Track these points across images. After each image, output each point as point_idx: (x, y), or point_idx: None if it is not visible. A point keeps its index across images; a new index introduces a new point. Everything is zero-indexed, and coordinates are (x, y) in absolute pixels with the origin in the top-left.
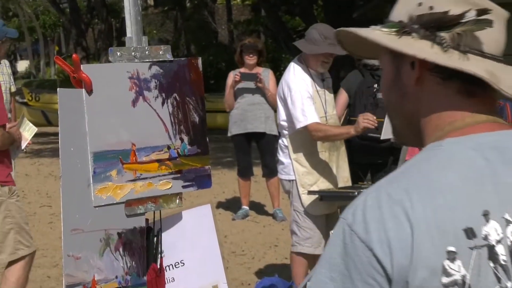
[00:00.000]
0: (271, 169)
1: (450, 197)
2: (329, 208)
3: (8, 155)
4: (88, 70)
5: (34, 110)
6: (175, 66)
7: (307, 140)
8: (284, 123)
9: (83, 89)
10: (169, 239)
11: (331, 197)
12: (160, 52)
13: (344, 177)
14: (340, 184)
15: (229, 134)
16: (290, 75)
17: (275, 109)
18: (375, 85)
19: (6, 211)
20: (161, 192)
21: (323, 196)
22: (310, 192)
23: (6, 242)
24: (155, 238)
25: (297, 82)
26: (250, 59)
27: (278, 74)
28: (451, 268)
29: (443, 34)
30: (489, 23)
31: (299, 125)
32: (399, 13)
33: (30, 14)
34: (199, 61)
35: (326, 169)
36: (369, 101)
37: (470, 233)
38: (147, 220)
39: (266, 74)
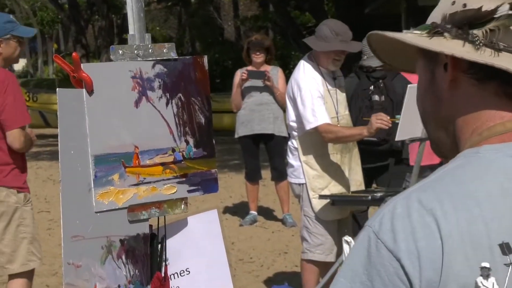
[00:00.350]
0: (280, 172)
1: (487, 208)
2: (341, 213)
3: (24, 160)
4: (89, 69)
5: (31, 111)
6: (179, 64)
7: (317, 141)
8: (294, 124)
9: (84, 89)
10: (174, 246)
11: (343, 202)
12: (164, 50)
13: (357, 180)
14: (353, 188)
15: (236, 136)
16: (299, 74)
17: (284, 109)
18: (371, 87)
19: (20, 219)
20: (165, 197)
21: (334, 200)
22: (321, 197)
23: (19, 251)
24: (159, 245)
25: (307, 80)
26: (258, 57)
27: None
28: (484, 286)
29: (476, 32)
30: None
31: (309, 126)
32: (434, 14)
33: (27, 10)
34: (205, 59)
35: (338, 172)
36: (364, 104)
37: (506, 248)
38: (151, 226)
39: (275, 72)
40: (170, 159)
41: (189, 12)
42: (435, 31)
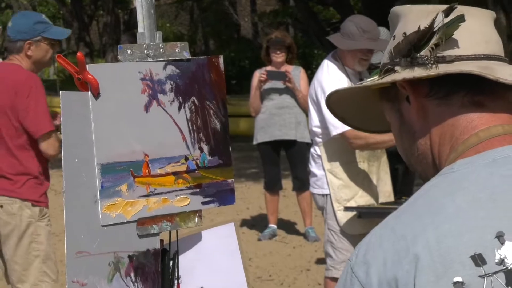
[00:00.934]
0: (302, 182)
1: (456, 222)
2: (368, 227)
3: (46, 170)
4: (95, 70)
5: None
6: (193, 65)
7: (343, 148)
8: (317, 129)
9: (89, 92)
10: (187, 262)
11: (370, 214)
12: (176, 50)
13: (385, 191)
14: (381, 199)
15: (254, 142)
16: (323, 74)
17: (306, 112)
18: None
19: (34, 235)
20: (178, 209)
21: (361, 213)
22: (347, 209)
23: (30, 270)
24: (171, 262)
25: (332, 82)
26: (278, 56)
27: (310, 73)
28: None
29: (423, 53)
30: (460, 18)
31: (334, 131)
32: (384, 58)
33: (26, 5)
34: (221, 59)
35: (365, 182)
36: None
37: (479, 259)
38: (162, 241)
39: (297, 73)
40: (183, 168)
41: (202, 7)
42: (385, 69)
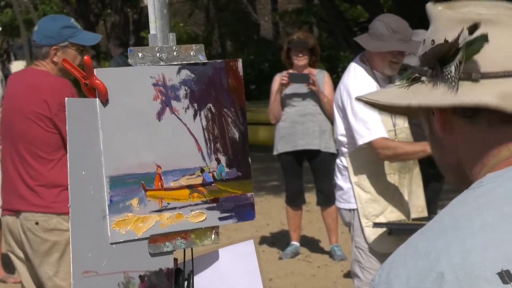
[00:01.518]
0: (327, 196)
1: (482, 238)
2: (399, 245)
3: None
4: (103, 75)
5: None
6: (209, 69)
7: (371, 159)
8: (343, 139)
9: (97, 99)
10: (202, 283)
11: (402, 231)
12: (191, 53)
13: (418, 206)
14: (413, 215)
15: (275, 152)
16: (350, 78)
17: (332, 120)
18: None
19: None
20: (193, 225)
21: (392, 229)
22: (376, 225)
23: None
24: (186, 282)
25: (359, 87)
26: (300, 59)
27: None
28: None
29: (448, 68)
30: (484, 38)
31: (361, 140)
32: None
33: (27, 4)
34: (239, 63)
35: (396, 196)
36: None
37: (506, 276)
38: (175, 260)
39: (321, 77)
40: (199, 180)
41: (218, 6)
42: (413, 77)
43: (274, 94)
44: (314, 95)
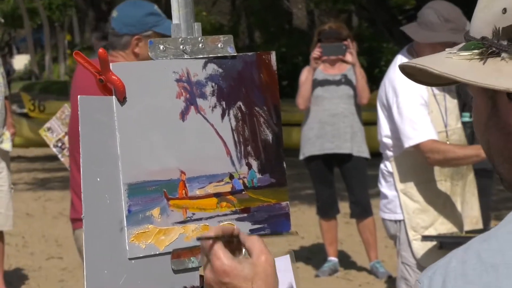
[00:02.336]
0: (362, 207)
1: None
2: None
3: None
4: (120, 70)
5: (37, 124)
6: (239, 63)
7: (420, 164)
8: (388, 141)
9: (113, 97)
10: None
11: (454, 245)
12: (219, 45)
13: (472, 216)
14: (467, 227)
15: (301, 157)
16: (396, 74)
17: (366, 121)
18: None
19: None
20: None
21: (443, 243)
22: (425, 238)
23: None
24: None
25: (406, 82)
26: None
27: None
28: None
29: None
30: None
31: (408, 143)
32: (479, 24)
33: None
34: (273, 56)
35: (447, 205)
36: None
37: None
38: (201, 277)
39: (351, 73)
40: (227, 188)
41: None
42: (489, 51)
43: (302, 85)
44: (345, 93)
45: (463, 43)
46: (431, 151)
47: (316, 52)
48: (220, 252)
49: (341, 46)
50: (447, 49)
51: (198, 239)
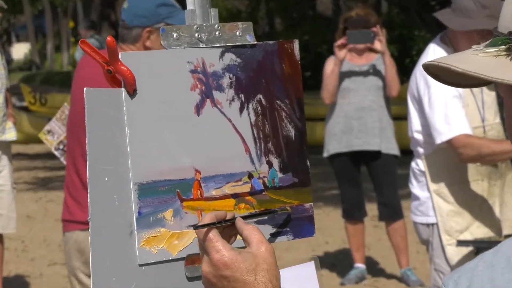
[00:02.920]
0: (392, 209)
1: None
2: None
3: None
4: (130, 60)
5: (38, 118)
6: (259, 53)
7: (454, 162)
8: (419, 137)
9: (123, 89)
10: None
11: None
12: (237, 32)
13: (511, 219)
14: (506, 231)
15: (325, 154)
16: None
17: (396, 115)
18: None
19: None
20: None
21: (479, 248)
22: (460, 243)
23: None
24: None
25: None
26: None
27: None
28: None
29: None
30: None
31: (440, 138)
32: (507, 18)
33: None
34: (296, 45)
35: (484, 207)
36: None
37: None
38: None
39: (380, 62)
40: (246, 188)
41: None
42: None
43: (327, 77)
44: (373, 85)
45: (490, 39)
46: (464, 146)
47: (340, 40)
48: (219, 244)
49: (369, 33)
50: (473, 46)
51: (195, 228)
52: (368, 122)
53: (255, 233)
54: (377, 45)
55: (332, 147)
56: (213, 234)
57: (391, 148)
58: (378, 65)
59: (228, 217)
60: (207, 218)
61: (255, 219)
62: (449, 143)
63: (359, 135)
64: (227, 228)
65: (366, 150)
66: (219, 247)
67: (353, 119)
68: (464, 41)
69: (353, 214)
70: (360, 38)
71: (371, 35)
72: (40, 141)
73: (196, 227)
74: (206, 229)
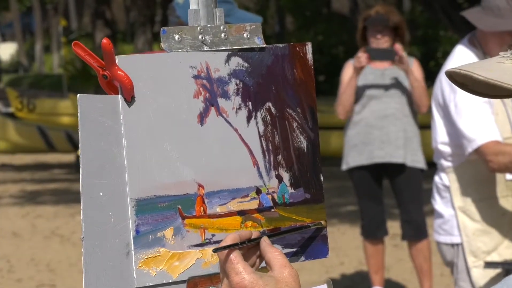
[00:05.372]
0: (417, 227)
1: None
2: None
3: None
4: (128, 64)
5: (25, 126)
6: (268, 57)
7: (482, 176)
8: (444, 148)
9: (120, 96)
10: None
11: None
12: (245, 34)
13: None
14: None
15: (344, 167)
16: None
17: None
18: None
19: None
20: None
21: (509, 270)
22: (488, 265)
23: None
24: None
25: None
26: (379, 42)
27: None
28: None
29: None
30: None
31: (471, 146)
32: None
33: None
34: (309, 48)
35: None
36: None
37: None
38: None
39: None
40: (254, 205)
41: None
42: None
43: (345, 83)
44: (396, 94)
45: None
46: (494, 153)
47: (362, 58)
48: (240, 266)
49: (391, 51)
50: (500, 53)
51: (215, 251)
52: (391, 131)
53: (278, 256)
54: (400, 64)
55: (352, 159)
56: (235, 255)
57: (417, 160)
58: (405, 56)
59: (254, 236)
60: (230, 239)
61: (286, 241)
62: (478, 150)
63: (381, 146)
64: (253, 249)
65: (389, 163)
66: (240, 269)
67: (375, 129)
68: (495, 42)
69: (373, 233)
70: (381, 54)
71: (392, 52)
72: (27, 151)
73: (216, 249)
74: (227, 250)
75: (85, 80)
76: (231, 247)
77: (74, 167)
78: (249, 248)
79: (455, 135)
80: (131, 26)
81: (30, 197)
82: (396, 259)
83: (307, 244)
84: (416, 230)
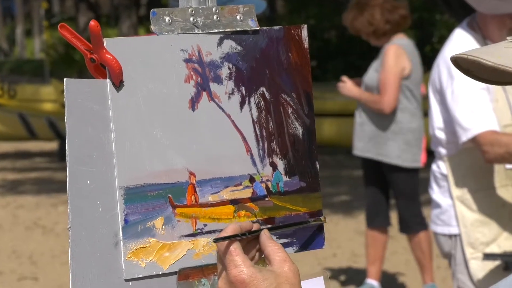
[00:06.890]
0: (414, 218)
1: None
2: None
3: None
4: (117, 47)
5: (6, 113)
6: (262, 40)
7: (481, 165)
8: (441, 135)
9: (107, 80)
10: None
11: None
12: (238, 17)
13: None
14: None
15: (355, 151)
16: (453, 51)
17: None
18: None
19: None
20: None
21: (509, 263)
22: (487, 256)
23: None
24: None
25: None
26: None
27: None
28: None
29: None
30: None
31: (465, 135)
32: None
33: None
34: (304, 30)
35: None
36: None
37: None
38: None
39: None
40: (247, 193)
41: None
42: None
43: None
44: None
45: None
46: (490, 143)
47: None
48: (239, 258)
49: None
50: (508, 37)
51: (215, 241)
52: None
53: (278, 251)
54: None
55: (359, 148)
56: (235, 247)
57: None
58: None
59: (254, 228)
60: (230, 229)
61: (280, 231)
62: (474, 140)
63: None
64: (253, 241)
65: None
66: (239, 261)
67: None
68: (495, 26)
69: (375, 219)
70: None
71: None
72: (8, 138)
73: (216, 239)
74: (227, 241)
75: (67, 65)
76: (231, 238)
77: (56, 156)
78: (249, 240)
79: (452, 122)
80: (116, 9)
81: (11, 186)
82: (391, 251)
83: (303, 235)
84: (413, 221)
